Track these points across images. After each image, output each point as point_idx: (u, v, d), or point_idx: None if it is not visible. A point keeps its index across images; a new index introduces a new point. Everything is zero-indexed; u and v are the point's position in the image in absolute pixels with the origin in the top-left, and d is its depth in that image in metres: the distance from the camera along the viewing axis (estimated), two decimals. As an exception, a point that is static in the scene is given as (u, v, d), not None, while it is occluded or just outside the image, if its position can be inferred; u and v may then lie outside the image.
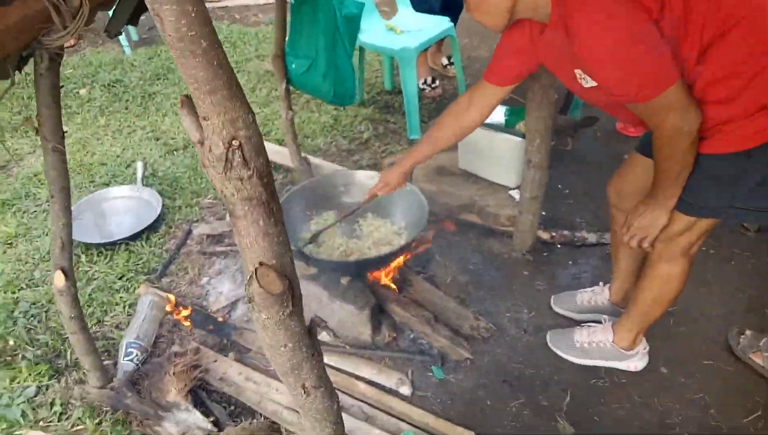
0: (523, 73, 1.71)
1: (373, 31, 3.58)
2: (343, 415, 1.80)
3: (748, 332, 2.02)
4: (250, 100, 3.92)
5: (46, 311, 2.32)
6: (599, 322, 2.12)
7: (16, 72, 1.44)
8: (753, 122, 1.33)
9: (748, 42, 1.27)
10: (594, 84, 1.39)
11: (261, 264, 0.89)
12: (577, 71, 1.42)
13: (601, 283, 2.20)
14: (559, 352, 2.04)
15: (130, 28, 5.01)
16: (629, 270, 2.04)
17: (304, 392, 1.06)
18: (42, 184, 3.18)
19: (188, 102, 0.87)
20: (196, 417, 1.76)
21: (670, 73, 1.26)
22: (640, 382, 1.95)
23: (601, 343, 1.97)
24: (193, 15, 0.76)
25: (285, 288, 0.92)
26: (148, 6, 0.75)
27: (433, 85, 3.96)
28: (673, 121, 1.31)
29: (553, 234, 2.58)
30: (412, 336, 2.14)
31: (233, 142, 0.86)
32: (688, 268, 1.69)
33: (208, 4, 5.94)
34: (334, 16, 2.44)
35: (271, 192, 0.92)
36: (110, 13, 1.58)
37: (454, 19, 3.68)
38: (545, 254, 2.53)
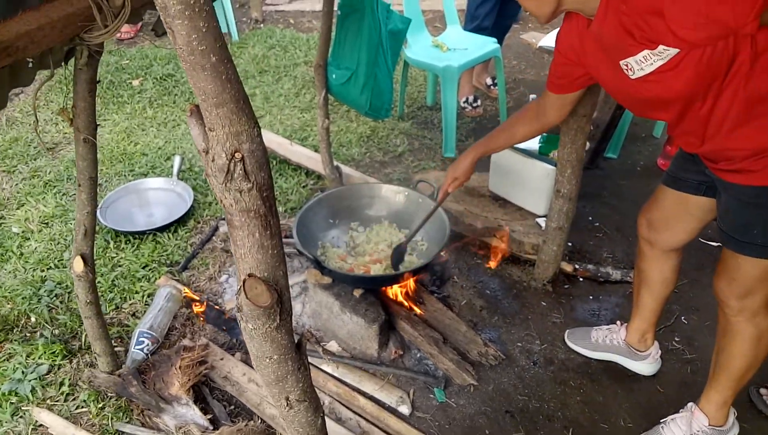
0: (577, 81, 1.65)
1: (418, 47, 3.61)
2: (339, 428, 1.82)
3: None
4: (293, 105, 4.02)
5: (69, 293, 2.41)
6: (614, 362, 2.08)
7: (60, 65, 1.52)
8: None
9: None
10: (643, 73, 1.32)
11: (250, 275, 0.91)
12: (624, 62, 1.35)
13: (618, 322, 2.14)
14: None
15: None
16: (650, 310, 1.98)
17: (287, 405, 1.07)
18: (85, 168, 3.31)
19: (197, 111, 0.90)
20: (194, 413, 1.79)
21: None
22: (647, 428, 1.88)
23: (700, 432, 1.76)
24: (204, 30, 0.79)
25: (273, 301, 0.93)
26: (162, 18, 0.78)
27: (474, 105, 3.95)
28: None
29: (577, 267, 2.53)
30: (418, 355, 2.13)
31: (236, 154, 0.89)
32: None
33: (265, 7, 6.09)
34: (379, 30, 2.47)
35: (270, 206, 0.94)
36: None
37: (500, 41, 3.67)
38: (566, 287, 2.48)
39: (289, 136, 3.59)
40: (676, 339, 2.21)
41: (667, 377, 2.07)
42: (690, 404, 1.82)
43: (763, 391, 1.94)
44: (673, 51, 1.24)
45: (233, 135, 0.87)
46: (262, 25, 5.61)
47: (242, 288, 0.91)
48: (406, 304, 2.22)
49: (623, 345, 2.07)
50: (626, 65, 1.36)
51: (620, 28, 1.30)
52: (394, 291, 2.22)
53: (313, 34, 5.43)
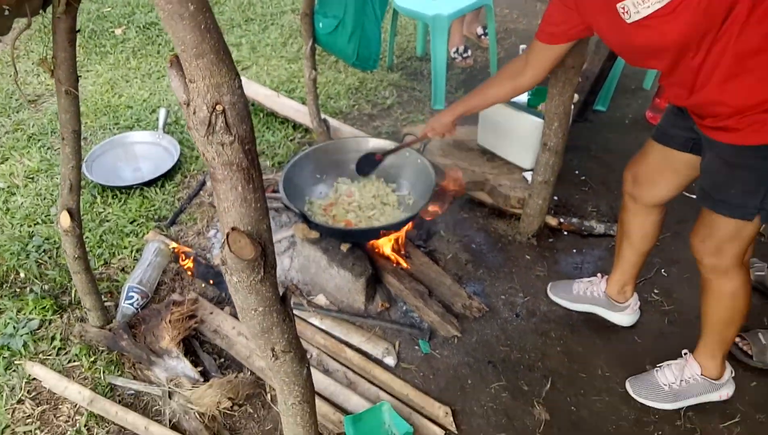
0: (572, 31, 1.63)
1: (408, -5, 3.52)
2: (327, 379, 1.87)
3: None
4: (280, 55, 3.94)
5: (57, 248, 2.41)
6: (594, 314, 2.14)
7: (38, 14, 1.47)
8: None
9: None
10: (639, 16, 1.30)
11: (234, 229, 0.92)
12: (621, 5, 1.32)
13: (599, 275, 2.18)
14: (648, 402, 1.85)
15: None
16: (631, 263, 2.02)
17: (273, 355, 1.09)
18: (68, 121, 3.26)
19: (177, 62, 0.88)
20: (185, 365, 1.83)
21: None
22: (624, 377, 1.95)
23: (692, 379, 1.82)
24: (179, -22, 0.76)
25: (257, 254, 0.94)
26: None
27: (464, 55, 3.89)
28: None
29: (561, 220, 2.55)
30: (404, 308, 2.17)
31: (217, 106, 0.88)
32: (747, 277, 1.61)
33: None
34: (366, -23, 2.41)
35: (252, 159, 0.94)
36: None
37: (492, -10, 3.59)
38: (550, 240, 2.51)
39: (276, 87, 3.53)
40: (655, 291, 2.26)
41: (644, 328, 2.13)
42: (685, 352, 1.87)
43: (737, 340, 2.00)
44: None
45: (214, 87, 0.86)
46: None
47: (226, 241, 0.92)
48: (392, 257, 2.25)
49: (603, 297, 2.12)
50: (623, 8, 1.33)
51: None
52: (380, 244, 2.24)
53: (299, -19, 5.27)
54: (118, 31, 4.32)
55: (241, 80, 0.90)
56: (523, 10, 4.60)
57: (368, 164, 2.34)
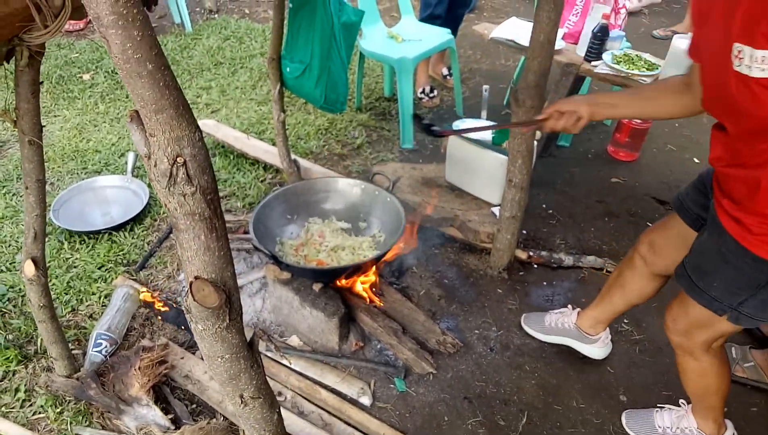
0: None
1: (374, 39, 3.61)
2: (302, 421, 1.84)
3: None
4: (249, 97, 3.99)
5: (22, 296, 2.36)
6: (565, 345, 2.16)
7: (0, 65, 1.48)
8: None
9: None
10: (750, 73, 1.07)
11: (197, 278, 0.92)
12: (739, 46, 1.08)
13: (570, 306, 2.22)
14: None
15: (139, 16, 5.05)
16: (616, 310, 2.01)
17: (242, 402, 1.09)
18: (35, 167, 3.22)
19: (137, 117, 0.90)
20: (155, 413, 1.79)
21: None
22: (599, 408, 1.97)
23: (687, 431, 1.80)
24: (138, 39, 0.79)
25: (222, 302, 0.95)
26: (96, 28, 0.79)
27: (431, 95, 3.99)
28: None
29: (531, 254, 2.60)
30: (378, 346, 2.17)
31: (178, 159, 0.89)
32: (718, 361, 1.58)
33: (220, -3, 5.94)
34: (332, 23, 2.47)
35: (215, 208, 0.95)
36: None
37: (455, 31, 3.72)
38: (521, 274, 2.55)
39: (246, 129, 3.56)
40: (625, 321, 2.31)
41: (616, 358, 2.16)
42: (683, 402, 1.85)
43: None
44: None
45: (174, 140, 0.88)
46: (216, 16, 5.52)
47: (190, 290, 0.93)
48: (365, 296, 2.25)
49: (574, 328, 2.15)
50: (739, 51, 1.09)
51: (760, 4, 1.04)
52: (352, 282, 2.24)
53: (269, 24, 5.36)
54: (86, 77, 4.33)
55: (201, 133, 0.92)
56: (486, 51, 4.74)
57: (425, 127, 1.80)
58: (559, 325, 2.17)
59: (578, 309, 2.19)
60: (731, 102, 1.17)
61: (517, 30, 3.20)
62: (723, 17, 1.14)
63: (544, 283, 2.50)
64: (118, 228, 2.73)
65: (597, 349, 2.13)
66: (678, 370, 1.69)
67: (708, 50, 1.24)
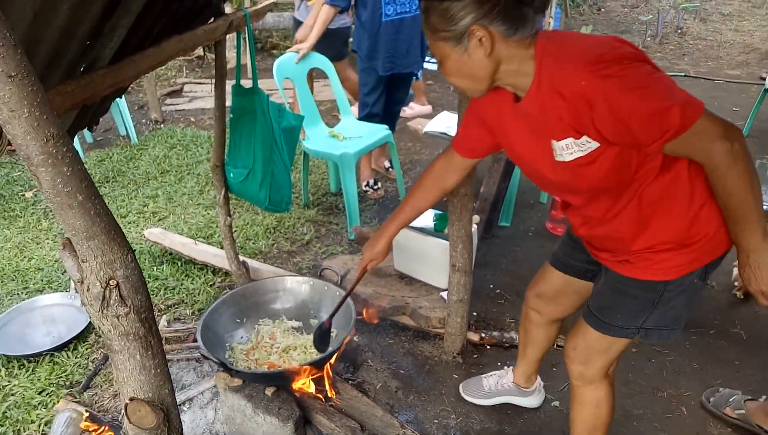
0: (488, 148, 1.68)
1: (316, 138, 3.78)
2: None
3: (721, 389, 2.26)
4: (197, 202, 4.03)
5: (-47, 432, 2.21)
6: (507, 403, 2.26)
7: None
8: (679, 255, 1.43)
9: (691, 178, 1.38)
10: (568, 159, 1.35)
11: (132, 399, 0.92)
12: (556, 143, 1.36)
13: (505, 367, 2.32)
14: None
15: (85, 131, 5.12)
16: (535, 360, 2.18)
17: None
18: (-28, 291, 3.12)
19: (69, 244, 0.93)
20: None
21: (696, 99, 1.25)
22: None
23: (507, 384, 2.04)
24: (68, 174, 0.84)
25: (159, 421, 0.94)
26: (28, 167, 0.83)
27: (375, 187, 4.13)
28: (722, 137, 1.25)
29: (483, 335, 2.64)
30: (336, 447, 2.11)
31: (111, 281, 0.92)
32: (611, 389, 1.74)
33: (165, 107, 6.13)
34: (272, 129, 2.59)
35: (150, 326, 0.97)
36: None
37: (392, 126, 3.93)
38: (475, 356, 2.58)
39: (194, 234, 3.57)
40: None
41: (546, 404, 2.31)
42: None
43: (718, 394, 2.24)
44: (594, 144, 1.31)
45: (107, 263, 0.91)
46: (162, 126, 5.64)
47: (125, 413, 0.92)
48: (320, 396, 2.21)
49: (513, 386, 2.26)
50: (558, 147, 1.38)
51: (552, 110, 1.32)
52: (306, 382, 2.21)
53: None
54: (29, 194, 4.30)
55: (133, 253, 0.95)
56: (424, 143, 4.99)
57: (323, 340, 2.16)
58: (499, 387, 2.27)
59: (512, 366, 2.29)
60: (563, 184, 1.46)
61: (448, 122, 3.42)
62: (527, 127, 1.43)
63: (498, 364, 2.52)
64: (61, 348, 2.63)
65: (534, 398, 2.28)
66: (572, 408, 1.81)
67: (524, 154, 1.51)
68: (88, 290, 0.92)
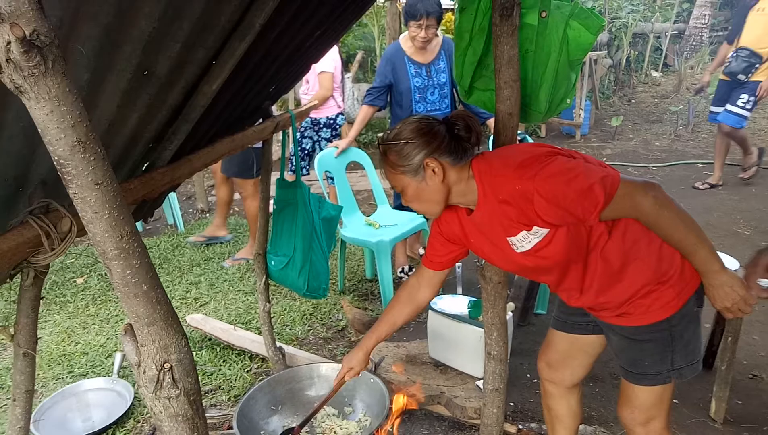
0: (455, 257, 1.89)
1: (354, 226, 3.92)
2: None
3: None
4: (237, 289, 4.15)
5: None
6: None
7: (5, 282, 1.62)
8: (665, 293, 1.57)
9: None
10: (529, 247, 1.57)
11: (179, 481, 0.97)
12: (512, 239, 1.59)
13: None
14: None
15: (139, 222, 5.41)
16: None
17: None
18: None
19: (131, 329, 1.03)
20: None
21: (613, 170, 1.51)
22: None
23: None
24: (137, 267, 0.94)
25: (202, 503, 0.98)
26: (102, 261, 0.94)
27: (410, 273, 4.19)
28: (643, 192, 1.47)
29: (520, 427, 2.58)
30: None
31: (165, 365, 1.00)
32: None
33: (211, 198, 6.40)
34: (312, 219, 2.74)
35: (197, 408, 1.04)
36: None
37: (427, 216, 4.05)
38: (513, 449, 2.50)
39: (234, 320, 3.66)
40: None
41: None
42: None
43: None
44: (545, 230, 1.55)
45: (163, 348, 1.00)
46: (207, 215, 5.92)
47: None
48: (354, 487, 2.18)
49: None
50: (512, 242, 1.62)
51: (501, 214, 1.57)
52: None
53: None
54: (80, 280, 4.51)
55: (187, 338, 1.04)
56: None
57: None
58: None
59: None
60: (532, 268, 1.66)
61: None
62: (482, 234, 1.67)
63: (537, 457, 2.45)
64: (99, 433, 2.68)
65: None
66: None
67: (490, 253, 1.72)
68: (144, 373, 0.99)
